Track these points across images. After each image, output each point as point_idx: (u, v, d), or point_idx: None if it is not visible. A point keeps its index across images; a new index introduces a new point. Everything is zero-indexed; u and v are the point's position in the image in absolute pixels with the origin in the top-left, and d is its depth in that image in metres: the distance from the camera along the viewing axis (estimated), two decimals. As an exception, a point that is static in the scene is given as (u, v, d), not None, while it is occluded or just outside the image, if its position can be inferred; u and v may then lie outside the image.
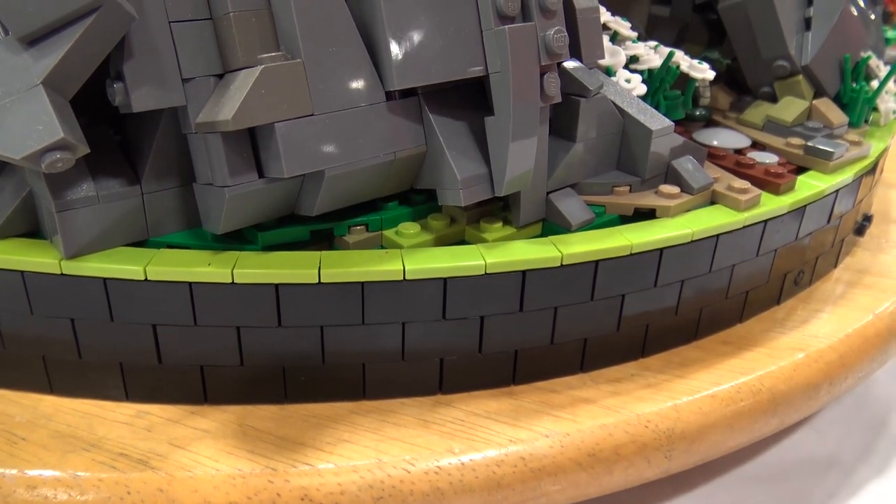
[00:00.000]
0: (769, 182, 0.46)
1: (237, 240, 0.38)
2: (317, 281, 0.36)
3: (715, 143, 0.53)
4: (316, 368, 0.39)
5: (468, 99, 0.38)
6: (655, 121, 0.43)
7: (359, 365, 0.39)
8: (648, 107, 0.44)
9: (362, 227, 0.40)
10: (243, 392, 0.39)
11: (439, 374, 0.40)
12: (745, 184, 0.44)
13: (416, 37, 0.35)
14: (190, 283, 0.36)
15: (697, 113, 0.56)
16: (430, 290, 0.37)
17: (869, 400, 0.56)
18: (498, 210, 0.42)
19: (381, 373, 0.39)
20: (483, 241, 0.40)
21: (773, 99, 0.55)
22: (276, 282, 0.36)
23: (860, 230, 0.58)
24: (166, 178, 0.37)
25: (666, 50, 0.49)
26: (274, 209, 0.37)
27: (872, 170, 0.55)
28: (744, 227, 0.44)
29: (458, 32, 0.36)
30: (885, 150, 0.57)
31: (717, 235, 0.43)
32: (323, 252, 0.38)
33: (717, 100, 0.59)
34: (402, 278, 0.37)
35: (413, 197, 0.42)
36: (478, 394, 0.41)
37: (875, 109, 0.57)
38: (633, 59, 0.48)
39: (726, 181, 0.45)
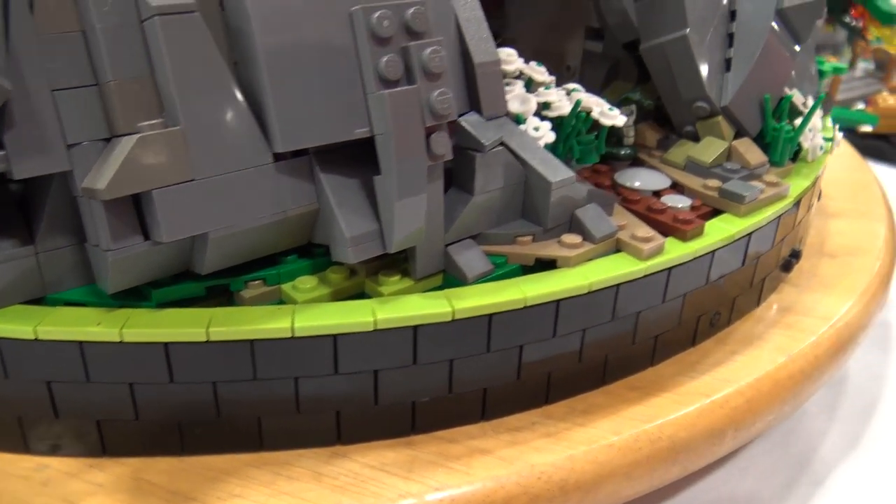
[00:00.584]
0: (676, 228, 0.47)
1: (134, 296, 0.39)
2: (205, 339, 0.37)
3: (636, 184, 0.53)
4: (211, 422, 0.39)
5: (360, 156, 0.39)
6: (556, 172, 0.43)
7: (254, 417, 0.40)
8: (552, 157, 0.44)
9: (260, 281, 0.40)
10: (141, 445, 0.40)
11: (336, 425, 0.41)
12: (649, 232, 0.45)
13: (301, 99, 0.36)
14: (80, 343, 0.36)
15: (622, 152, 0.57)
16: (320, 347, 0.38)
17: (798, 433, 0.57)
18: (399, 261, 0.43)
19: (278, 424, 0.40)
20: (380, 294, 0.41)
21: (696, 138, 0.56)
22: (164, 340, 0.37)
23: (786, 267, 0.58)
24: (62, 236, 0.38)
25: (581, 95, 0.49)
26: (165, 268, 0.38)
27: (796, 206, 0.55)
28: (645, 275, 0.44)
29: (343, 94, 0.37)
30: (811, 186, 0.57)
31: (618, 285, 0.43)
32: (215, 309, 0.38)
33: (644, 137, 0.59)
34: (290, 335, 0.37)
35: (314, 249, 0.42)
36: (377, 444, 0.42)
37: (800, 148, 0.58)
38: (545, 106, 0.48)
39: (632, 229, 0.46)
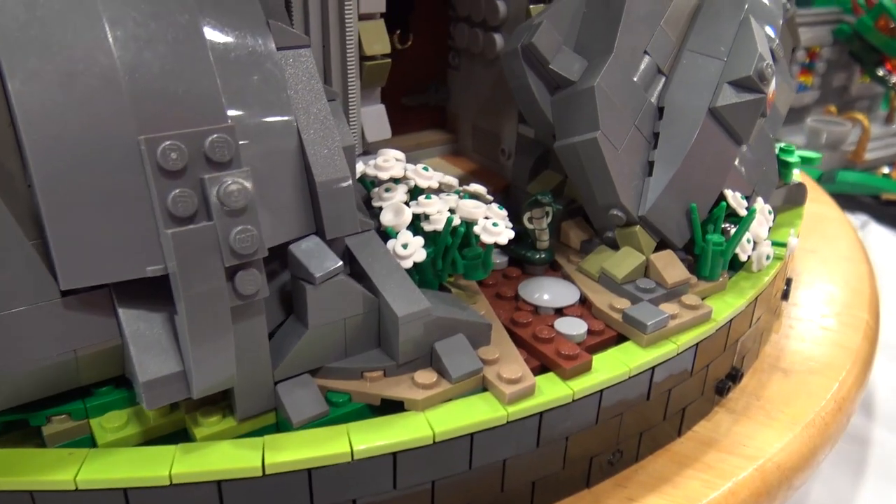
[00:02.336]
0: (556, 364, 0.42)
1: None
2: (-21, 488, 0.34)
3: (540, 297, 0.48)
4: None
5: (167, 290, 0.35)
6: (408, 303, 0.39)
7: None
8: (408, 284, 0.40)
9: (65, 416, 0.37)
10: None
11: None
12: (517, 371, 0.40)
13: (87, 233, 0.33)
14: None
15: (535, 257, 0.52)
16: (107, 503, 0.34)
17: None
18: (227, 396, 0.39)
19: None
20: (193, 437, 0.37)
21: (615, 246, 0.50)
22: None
23: (721, 390, 0.52)
24: None
25: (468, 205, 0.45)
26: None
27: (728, 325, 0.49)
28: (508, 422, 0.39)
29: (136, 228, 0.33)
30: (749, 303, 0.51)
31: (472, 434, 0.38)
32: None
33: (569, 237, 0.54)
34: (73, 488, 0.34)
35: (136, 378, 0.39)
36: None
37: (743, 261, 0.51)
38: (426, 217, 0.44)
39: (502, 365, 0.41)
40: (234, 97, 0.35)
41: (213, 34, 0.35)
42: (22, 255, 0.33)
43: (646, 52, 0.50)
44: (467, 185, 0.50)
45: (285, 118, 0.37)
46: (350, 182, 0.39)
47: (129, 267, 0.33)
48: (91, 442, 0.37)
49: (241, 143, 0.34)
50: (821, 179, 1.17)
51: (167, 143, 0.32)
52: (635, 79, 0.49)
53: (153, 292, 0.35)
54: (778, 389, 0.55)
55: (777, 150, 0.62)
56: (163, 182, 0.32)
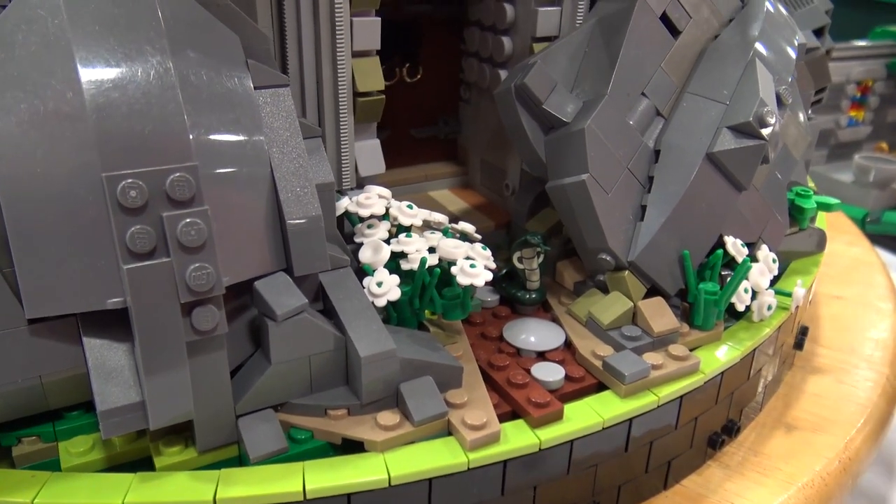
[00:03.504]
0: (526, 412, 0.41)
1: None
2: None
3: (524, 339, 0.47)
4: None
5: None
6: (373, 343, 0.39)
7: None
8: (376, 324, 0.40)
9: (35, 437, 0.38)
10: None
11: None
12: (481, 418, 0.39)
13: (51, 264, 0.34)
14: None
15: (526, 297, 0.51)
16: (61, 528, 0.35)
17: None
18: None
19: None
20: (154, 466, 0.37)
21: (606, 290, 0.49)
22: None
23: (713, 444, 0.50)
24: None
25: (448, 244, 0.44)
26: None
27: (719, 380, 0.47)
28: (469, 469, 0.38)
29: (98, 262, 0.34)
30: (745, 356, 0.49)
31: (430, 479, 0.38)
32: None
33: (563, 277, 0.53)
34: (30, 512, 0.35)
35: (106, 404, 0.39)
36: None
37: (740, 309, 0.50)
38: (403, 255, 0.44)
39: (469, 409, 0.40)
40: (205, 135, 0.36)
41: (188, 73, 0.36)
42: (-7, 285, 0.34)
43: (644, 94, 0.49)
44: (456, 222, 0.49)
45: (258, 156, 0.38)
46: (320, 221, 0.39)
47: (92, 299, 0.34)
48: (59, 465, 0.38)
49: (212, 176, 0.35)
50: (866, 219, 1.12)
51: (128, 181, 0.33)
52: (631, 121, 0.48)
53: (118, 322, 0.36)
54: (779, 445, 0.53)
55: (793, 194, 0.60)
56: (122, 219, 0.33)
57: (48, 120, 0.33)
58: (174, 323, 0.34)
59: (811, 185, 0.85)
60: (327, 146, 0.50)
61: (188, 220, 0.33)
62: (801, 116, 0.56)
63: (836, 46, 1.19)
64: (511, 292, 0.52)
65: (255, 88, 0.39)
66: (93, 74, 0.34)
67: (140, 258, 0.33)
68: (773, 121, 0.47)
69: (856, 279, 0.77)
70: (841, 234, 0.88)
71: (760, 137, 0.47)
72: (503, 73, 0.58)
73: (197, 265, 0.34)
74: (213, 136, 0.36)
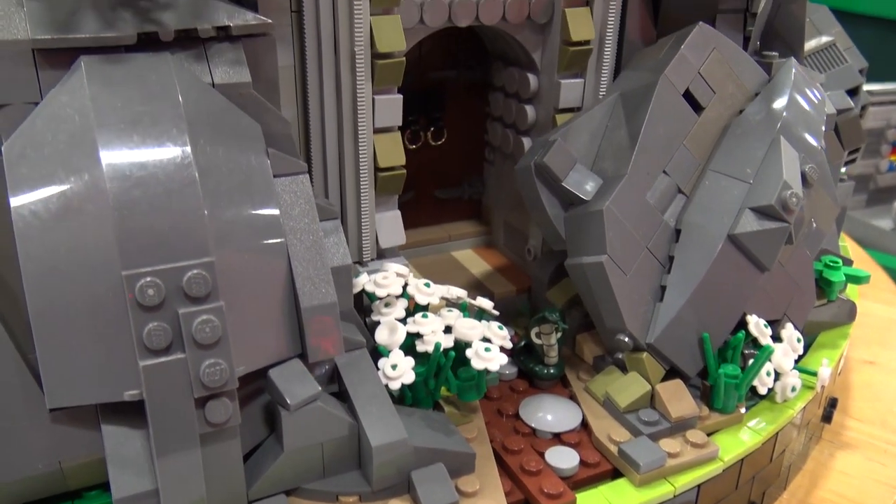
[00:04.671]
0: (538, 502, 0.40)
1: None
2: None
3: (541, 417, 0.47)
4: None
5: (149, 409, 0.37)
6: (385, 432, 0.39)
7: None
8: (389, 411, 0.40)
9: (53, 516, 0.39)
10: None
11: None
12: (492, 509, 0.39)
13: (72, 357, 0.35)
14: None
15: (544, 372, 0.51)
16: None
17: None
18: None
19: None
20: (166, 550, 0.38)
21: (625, 369, 0.49)
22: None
23: (734, 529, 0.49)
24: None
25: (465, 324, 0.44)
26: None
27: (739, 466, 0.46)
28: (477, 562, 0.38)
29: (117, 356, 0.35)
30: (772, 438, 0.48)
31: (436, 572, 0.38)
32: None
33: (582, 350, 0.53)
34: None
35: (124, 483, 0.40)
36: None
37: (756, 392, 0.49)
38: (419, 336, 0.44)
39: (477, 499, 0.40)
40: (223, 227, 0.37)
41: (208, 165, 0.37)
42: (15, 373, 0.35)
43: (665, 172, 0.49)
44: (474, 297, 0.49)
45: (276, 244, 0.39)
46: (336, 308, 0.40)
47: (110, 391, 0.35)
48: (76, 544, 0.39)
49: (229, 267, 0.36)
50: (905, 271, 1.09)
51: (146, 279, 0.33)
52: (651, 200, 0.48)
53: (136, 411, 0.37)
54: (803, 529, 0.51)
55: (822, 265, 0.58)
56: (140, 316, 0.34)
57: (73, 218, 0.34)
58: (188, 416, 0.35)
59: (846, 241, 0.83)
60: (348, 218, 0.51)
61: (203, 317, 0.34)
62: (830, 189, 0.55)
63: (875, 90, 1.17)
64: (529, 366, 0.51)
65: (275, 176, 0.40)
66: (116, 173, 0.35)
67: (156, 354, 0.34)
68: (796, 203, 0.46)
69: (891, 342, 0.75)
70: (875, 290, 0.86)
71: (784, 220, 0.47)
72: (526, 141, 0.58)
73: (211, 361, 0.34)
74: (230, 228, 0.37)
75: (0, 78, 0.36)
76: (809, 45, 0.71)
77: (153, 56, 0.38)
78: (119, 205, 0.34)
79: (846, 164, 0.72)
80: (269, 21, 0.41)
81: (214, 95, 0.39)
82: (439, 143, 0.63)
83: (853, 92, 0.71)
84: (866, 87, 1.16)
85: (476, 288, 0.61)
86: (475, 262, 0.65)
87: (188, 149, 0.36)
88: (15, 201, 0.34)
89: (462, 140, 0.65)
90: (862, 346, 0.74)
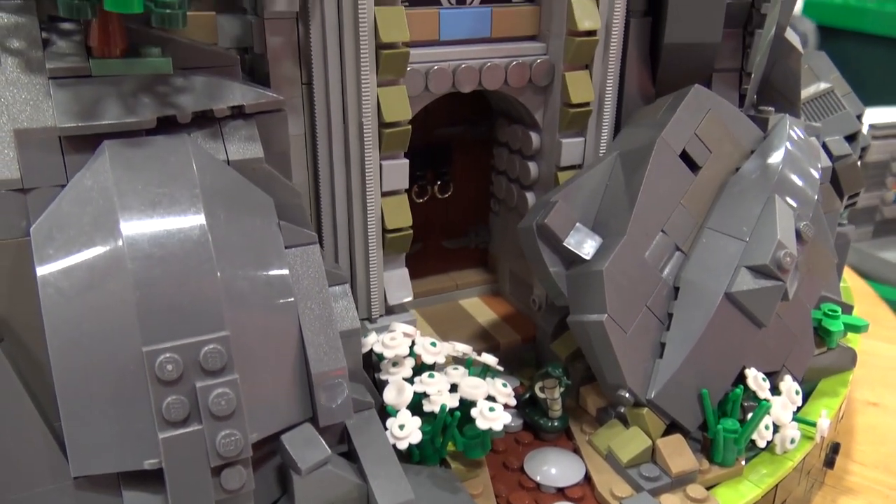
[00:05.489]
0: (540, 561, 0.42)
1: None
2: None
3: (549, 471, 0.48)
4: None
5: (167, 475, 0.39)
6: (393, 493, 0.40)
7: None
8: (397, 472, 0.41)
9: (77, 576, 0.41)
10: None
11: None
12: (496, 568, 0.40)
13: (96, 427, 0.36)
14: None
15: (548, 425, 0.52)
16: None
17: None
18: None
19: None
20: None
21: (626, 423, 0.50)
22: None
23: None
24: None
25: (470, 383, 0.46)
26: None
27: (741, 518, 0.47)
28: None
29: (138, 427, 0.36)
30: (772, 489, 0.49)
31: None
32: None
33: (586, 402, 0.54)
34: None
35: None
36: None
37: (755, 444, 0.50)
38: (426, 395, 0.46)
39: (483, 558, 0.41)
40: (237, 299, 0.38)
41: (224, 241, 0.39)
42: (41, 440, 0.37)
43: (663, 231, 0.50)
44: (479, 353, 0.51)
45: (288, 314, 0.40)
46: (345, 374, 0.41)
47: (130, 459, 0.37)
48: None
49: (243, 338, 0.38)
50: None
51: (165, 355, 0.35)
52: (650, 259, 0.50)
53: (156, 478, 0.39)
54: (805, 578, 0.52)
55: (821, 313, 0.60)
56: (160, 390, 0.36)
57: (96, 294, 0.36)
58: (205, 484, 0.36)
59: (850, 278, 0.84)
60: (357, 276, 0.53)
61: (219, 390, 0.36)
62: (827, 242, 0.57)
63: (879, 124, 1.18)
64: (534, 419, 0.53)
65: (287, 247, 0.42)
66: (138, 252, 0.37)
67: (174, 426, 0.36)
68: (790, 263, 0.48)
69: (895, 383, 0.76)
70: (880, 328, 0.87)
71: (779, 279, 0.48)
72: (530, 196, 0.60)
73: (226, 432, 0.36)
74: (244, 301, 0.39)
75: (29, 163, 0.38)
76: (808, 91, 0.73)
77: (172, 138, 0.40)
78: (140, 283, 0.36)
79: (847, 206, 0.74)
80: (281, 98, 0.44)
81: (229, 173, 0.41)
82: (446, 195, 0.65)
83: (852, 138, 0.72)
84: (871, 120, 1.17)
85: (482, 337, 0.62)
86: (482, 310, 0.66)
87: (205, 228, 0.38)
88: (42, 278, 0.36)
89: (468, 192, 0.67)
90: (866, 387, 0.75)
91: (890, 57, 2.47)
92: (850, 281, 0.98)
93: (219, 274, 0.38)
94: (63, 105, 0.38)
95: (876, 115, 1.17)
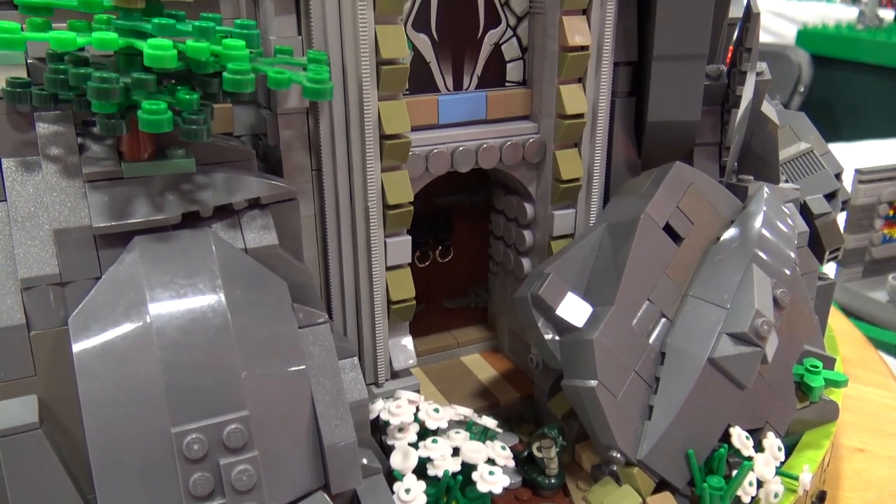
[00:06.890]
0: None
1: None
2: None
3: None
4: None
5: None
6: (400, 556, 0.44)
7: None
8: (403, 534, 0.45)
9: None
10: None
11: None
12: None
13: (127, 501, 0.40)
14: None
15: (546, 482, 0.55)
16: None
17: None
18: None
19: None
20: None
21: (619, 480, 0.53)
22: None
23: None
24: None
25: (472, 448, 0.49)
26: None
27: (728, 571, 0.50)
28: None
29: (166, 499, 0.40)
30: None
31: None
32: None
33: (581, 459, 0.57)
34: None
35: None
36: None
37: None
38: (430, 459, 0.49)
39: None
40: (256, 380, 0.42)
41: (243, 325, 0.43)
42: (78, 515, 0.41)
43: (649, 300, 0.54)
44: (479, 415, 0.54)
45: (301, 391, 0.44)
46: (355, 445, 0.45)
47: (158, 530, 0.40)
48: None
49: (261, 416, 0.41)
50: (901, 348, 1.13)
51: (192, 436, 0.39)
52: (637, 327, 0.53)
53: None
54: None
55: (803, 369, 0.63)
56: (187, 467, 0.39)
57: (129, 379, 0.40)
58: (224, 549, 0.40)
59: (836, 322, 0.87)
60: (364, 344, 0.56)
61: (241, 467, 0.39)
62: (806, 303, 0.60)
63: (865, 169, 1.22)
64: (532, 476, 0.56)
65: (300, 328, 0.45)
66: (166, 340, 0.40)
67: (201, 501, 0.39)
68: (767, 330, 0.51)
69: (881, 429, 0.79)
70: (867, 372, 0.90)
71: (757, 345, 0.51)
72: (525, 262, 0.64)
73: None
74: (262, 380, 0.42)
75: (67, 259, 0.42)
76: (788, 151, 0.77)
77: (195, 232, 0.44)
78: (167, 368, 0.40)
79: (829, 260, 0.77)
80: (294, 189, 0.48)
81: (247, 261, 0.45)
82: (447, 259, 0.69)
83: (831, 196, 0.76)
84: (857, 166, 1.21)
85: (482, 394, 0.66)
86: (482, 366, 0.70)
87: (227, 315, 0.42)
88: (80, 364, 0.40)
89: (468, 255, 0.70)
90: (852, 433, 0.77)
91: (882, 85, 2.53)
92: (839, 324, 1.01)
93: (239, 359, 0.41)
94: (98, 206, 0.42)
95: (867, 150, 1.21)
